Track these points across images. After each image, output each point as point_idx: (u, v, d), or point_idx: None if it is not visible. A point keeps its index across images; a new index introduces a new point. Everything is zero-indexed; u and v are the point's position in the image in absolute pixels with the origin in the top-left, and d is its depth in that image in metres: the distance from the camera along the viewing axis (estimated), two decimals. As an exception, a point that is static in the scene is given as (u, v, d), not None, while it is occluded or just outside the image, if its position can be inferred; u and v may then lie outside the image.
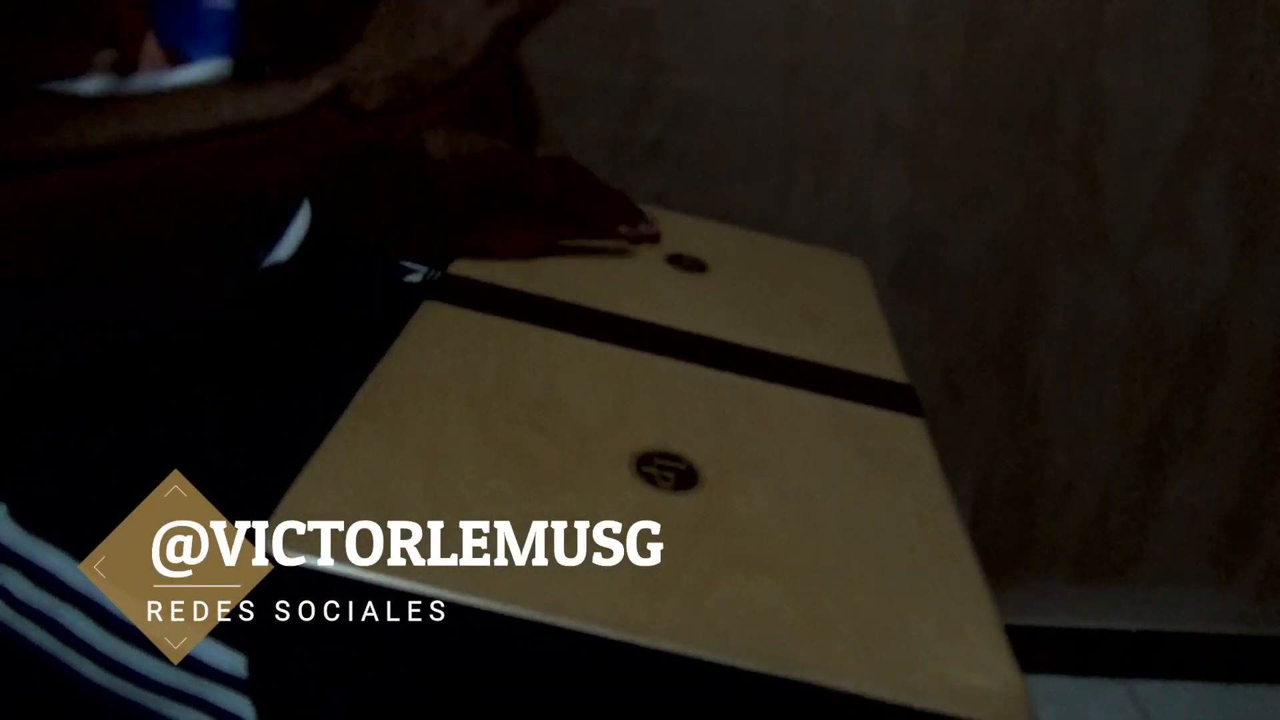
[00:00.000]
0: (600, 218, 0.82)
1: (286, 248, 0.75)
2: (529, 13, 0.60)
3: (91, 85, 0.58)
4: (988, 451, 1.32)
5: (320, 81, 0.57)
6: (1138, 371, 1.28)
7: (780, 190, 1.16)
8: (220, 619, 0.54)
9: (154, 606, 0.55)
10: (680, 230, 0.91)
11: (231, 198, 0.60)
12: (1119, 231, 1.21)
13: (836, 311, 0.84)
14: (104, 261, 0.60)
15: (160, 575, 0.55)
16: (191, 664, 0.53)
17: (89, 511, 0.58)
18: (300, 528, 0.46)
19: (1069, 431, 1.31)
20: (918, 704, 0.46)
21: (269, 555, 0.44)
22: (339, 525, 0.46)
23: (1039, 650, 1.43)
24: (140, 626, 0.54)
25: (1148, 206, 1.20)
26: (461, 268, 0.74)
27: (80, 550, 0.56)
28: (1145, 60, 1.13)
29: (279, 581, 0.45)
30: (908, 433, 0.68)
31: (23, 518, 0.58)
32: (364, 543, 0.46)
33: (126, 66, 0.60)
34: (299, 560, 0.44)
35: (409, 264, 0.86)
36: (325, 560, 0.45)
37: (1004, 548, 1.38)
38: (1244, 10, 1.11)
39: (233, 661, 0.53)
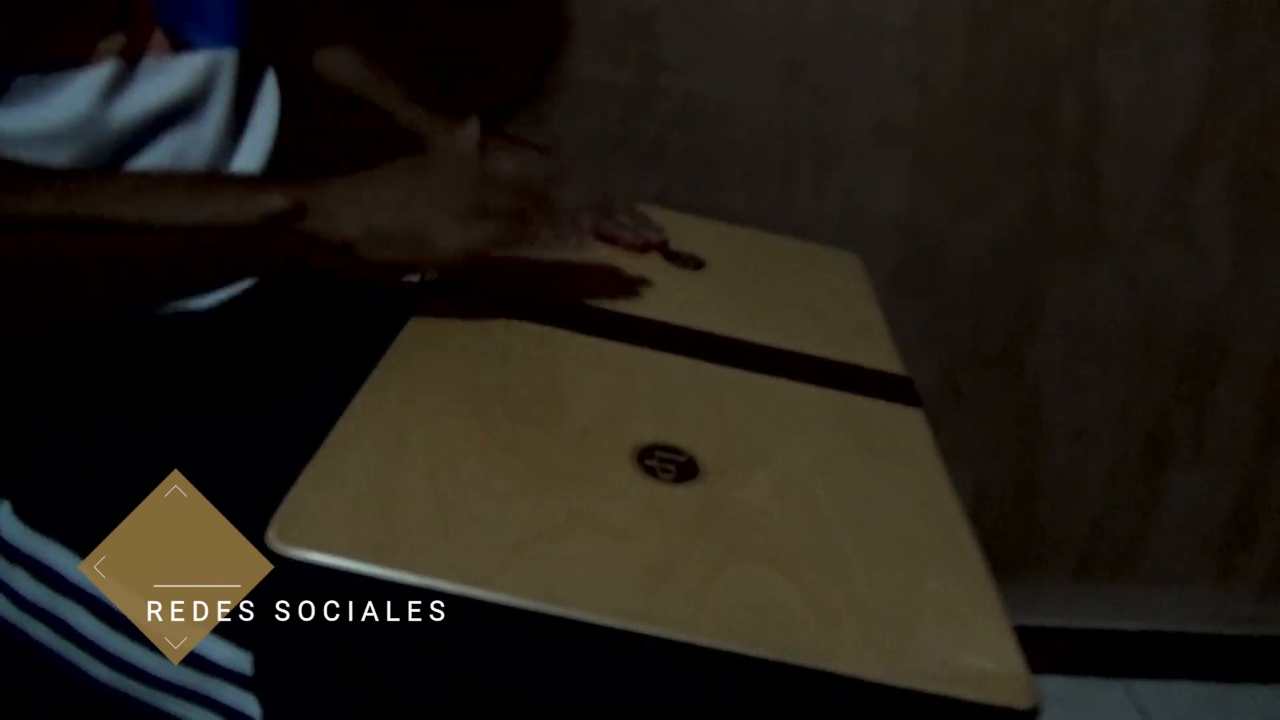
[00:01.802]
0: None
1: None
2: (504, 245, 0.60)
3: (101, 72, 0.58)
4: (988, 451, 1.32)
5: (277, 198, 0.57)
6: (1138, 371, 1.28)
7: (780, 190, 1.16)
8: (225, 616, 0.54)
9: (159, 604, 0.55)
10: (679, 229, 0.91)
11: (164, 288, 0.60)
12: (1119, 231, 1.21)
13: (832, 305, 0.84)
14: (44, 324, 0.60)
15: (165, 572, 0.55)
16: (197, 661, 0.53)
17: (94, 509, 0.58)
18: (305, 525, 0.46)
19: (1069, 431, 1.31)
20: (921, 687, 0.46)
21: (274, 552, 0.45)
22: (343, 522, 0.47)
23: (1039, 650, 1.42)
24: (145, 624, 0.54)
25: (1148, 206, 1.20)
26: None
27: (85, 548, 0.57)
28: (1145, 60, 1.13)
29: (284, 579, 0.45)
30: (906, 422, 0.68)
31: (28, 515, 0.58)
32: (367, 539, 0.46)
33: (133, 53, 0.60)
34: (303, 557, 0.45)
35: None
36: (329, 557, 0.45)
37: (1004, 547, 1.38)
38: (1244, 10, 1.11)
39: (238, 659, 0.53)
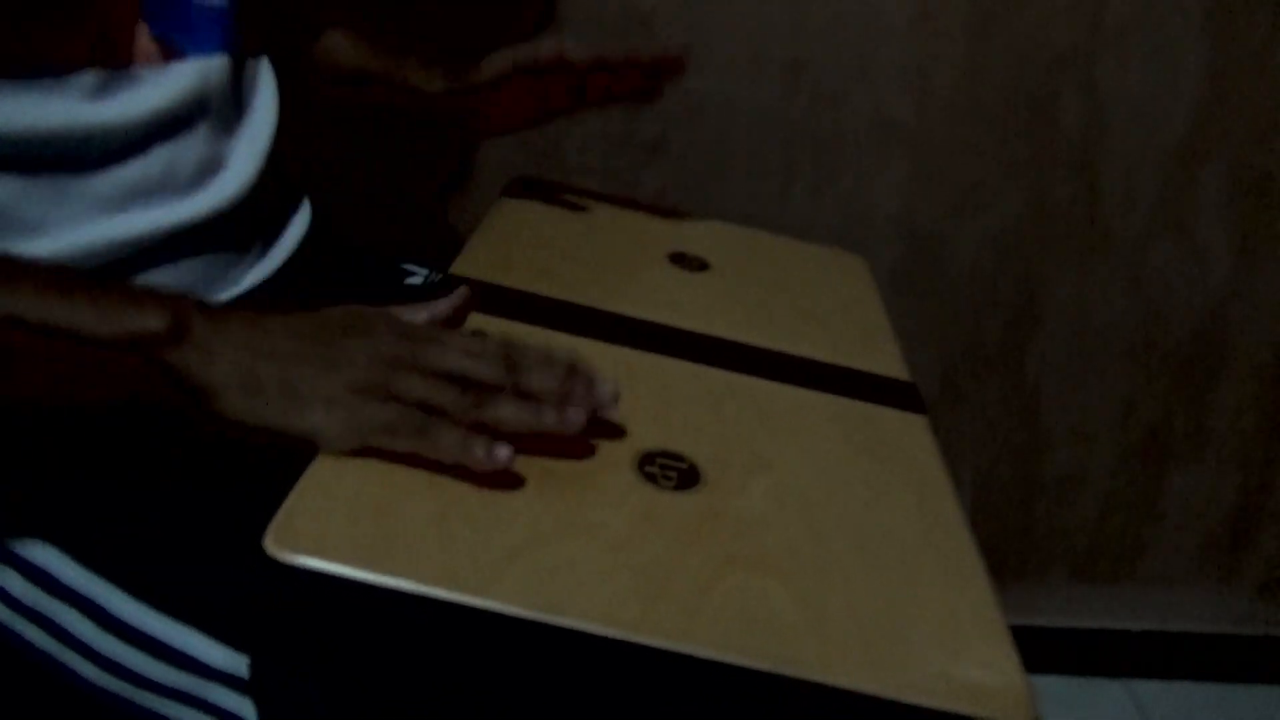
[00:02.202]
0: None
1: (284, 248, 0.75)
2: (394, 440, 0.50)
3: (84, 80, 0.58)
4: (987, 451, 1.32)
5: (156, 319, 0.49)
6: (1138, 371, 1.28)
7: (780, 189, 1.16)
8: (220, 619, 0.54)
9: (152, 607, 0.55)
10: (682, 228, 0.91)
11: (36, 397, 0.53)
12: (1119, 231, 1.21)
13: (839, 309, 0.84)
14: None
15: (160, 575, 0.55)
16: (190, 664, 0.53)
17: (86, 510, 0.58)
18: (302, 531, 0.46)
19: (1069, 431, 1.31)
20: (920, 701, 0.46)
21: (271, 556, 0.44)
22: (340, 528, 0.46)
23: (1039, 650, 1.43)
24: (139, 627, 0.54)
25: (1148, 206, 1.20)
26: (462, 269, 0.74)
27: (79, 550, 0.56)
28: (1145, 60, 1.13)
29: (281, 584, 0.45)
30: (910, 430, 0.68)
31: (19, 517, 0.58)
32: (364, 545, 0.46)
33: (120, 61, 0.60)
34: (301, 563, 0.44)
35: (410, 266, 0.86)
36: (326, 563, 0.45)
37: (1004, 547, 1.38)
38: (1244, 10, 1.11)
39: (233, 662, 0.53)
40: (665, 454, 0.57)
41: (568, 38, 0.78)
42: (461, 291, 0.61)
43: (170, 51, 0.62)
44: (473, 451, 0.49)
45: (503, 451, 0.49)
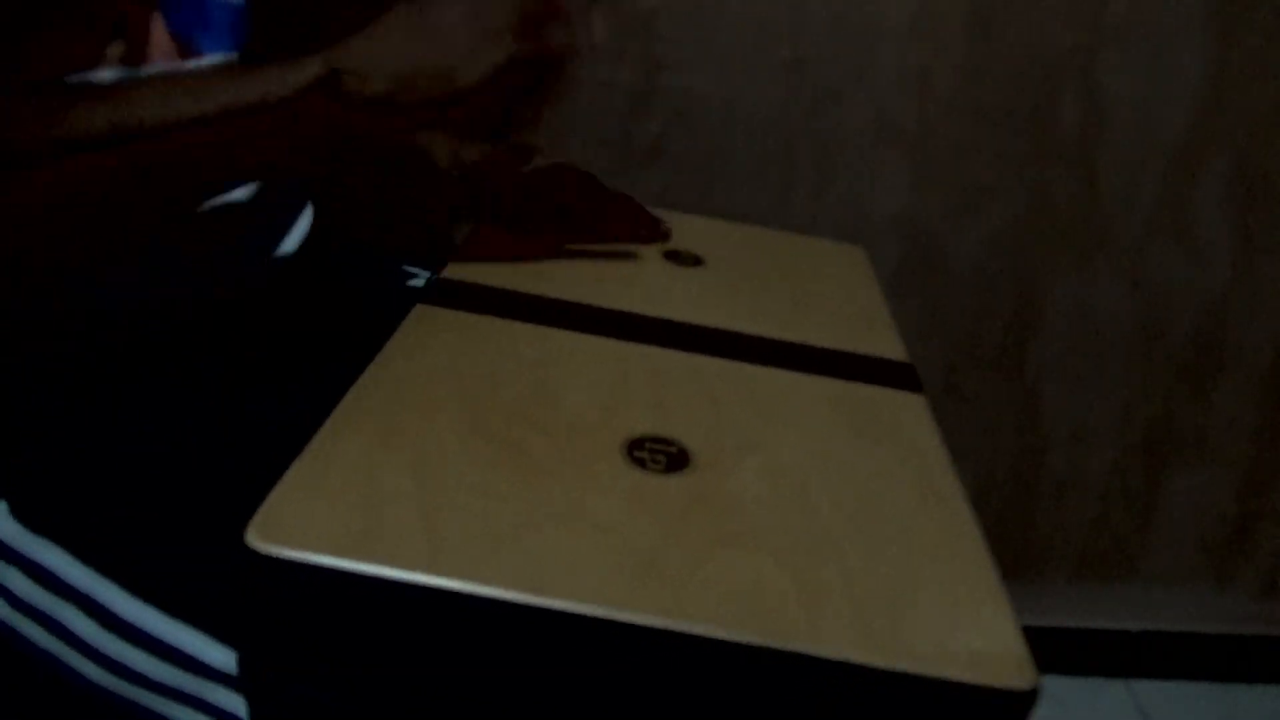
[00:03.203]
0: (606, 223, 0.82)
1: (291, 243, 0.75)
2: (535, 57, 0.61)
3: (104, 77, 0.58)
4: (987, 451, 1.32)
5: (312, 66, 0.58)
6: (1138, 371, 1.28)
7: (780, 190, 1.16)
8: (221, 619, 0.54)
9: (152, 606, 0.55)
10: (677, 227, 0.91)
11: (229, 179, 0.62)
12: (1119, 231, 1.21)
13: (835, 296, 0.84)
14: (112, 247, 0.61)
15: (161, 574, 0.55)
16: (191, 663, 0.53)
17: (90, 509, 0.58)
18: (285, 523, 0.46)
19: (1069, 431, 1.31)
20: (918, 670, 0.45)
21: (254, 549, 0.44)
22: (324, 519, 0.46)
23: (1039, 650, 1.42)
24: (140, 625, 0.54)
25: (1148, 206, 1.20)
26: (455, 270, 0.74)
27: (81, 548, 0.57)
28: (1145, 60, 1.13)
29: (269, 576, 0.45)
30: (907, 409, 0.67)
31: (23, 515, 0.58)
32: (349, 535, 0.46)
33: (137, 59, 0.60)
34: (283, 555, 0.44)
35: (411, 268, 0.86)
36: (309, 554, 0.45)
37: (1004, 547, 1.38)
38: (1244, 10, 1.11)
39: (232, 661, 0.53)
40: (654, 439, 0.57)
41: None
42: None
43: (187, 49, 0.63)
44: (578, 35, 0.62)
45: (599, 27, 0.63)
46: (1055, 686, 1.41)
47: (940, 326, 1.24)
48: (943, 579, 0.51)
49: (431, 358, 0.62)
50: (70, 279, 0.61)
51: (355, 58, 0.59)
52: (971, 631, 0.48)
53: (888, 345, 0.75)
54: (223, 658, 0.53)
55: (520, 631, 0.45)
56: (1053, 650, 1.42)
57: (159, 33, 0.61)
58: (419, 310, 0.67)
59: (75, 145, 0.55)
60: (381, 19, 0.61)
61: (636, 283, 0.78)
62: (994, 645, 0.47)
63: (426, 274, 0.85)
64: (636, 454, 0.56)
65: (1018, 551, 1.39)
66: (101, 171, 0.56)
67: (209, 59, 0.64)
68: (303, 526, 0.46)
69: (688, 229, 0.91)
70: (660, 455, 0.56)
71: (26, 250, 0.56)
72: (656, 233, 0.84)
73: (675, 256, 0.85)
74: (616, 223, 0.83)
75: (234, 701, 0.53)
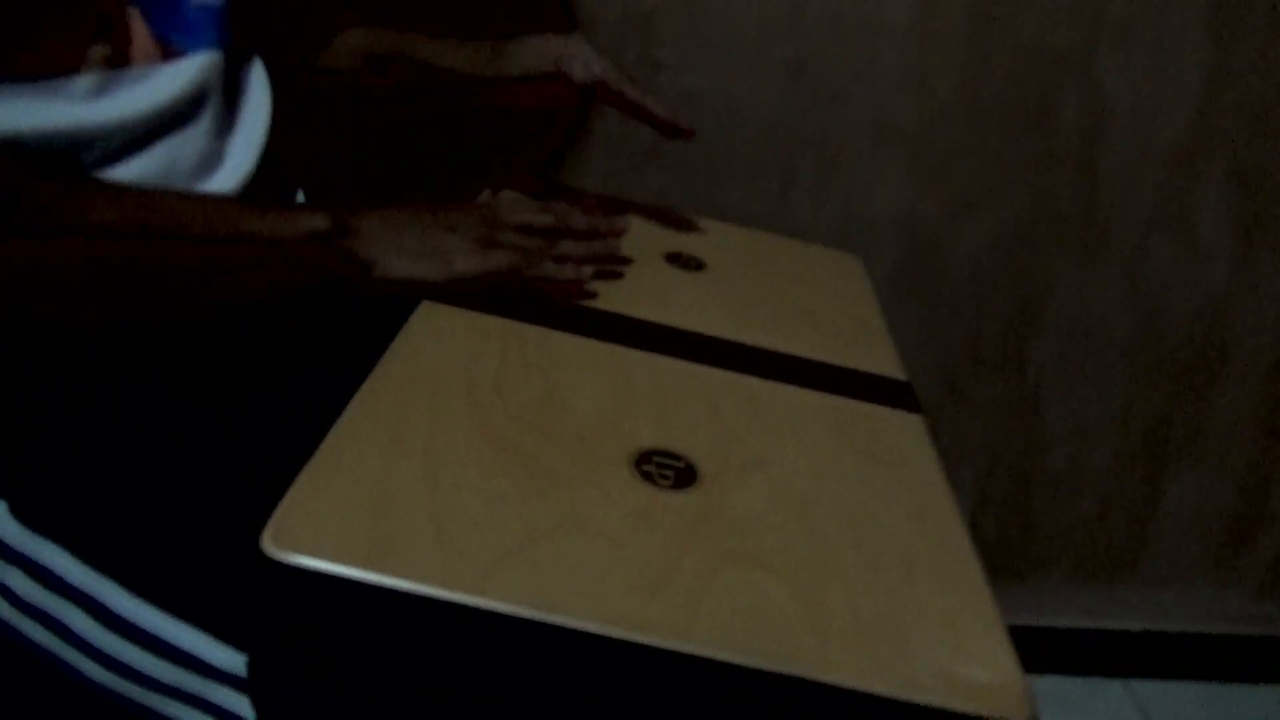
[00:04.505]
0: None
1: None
2: (526, 282, 0.68)
3: (86, 81, 0.58)
4: (987, 451, 1.32)
5: (319, 218, 0.63)
6: (1138, 371, 1.28)
7: (780, 190, 1.16)
8: (222, 618, 0.54)
9: (155, 606, 0.55)
10: (679, 229, 0.91)
11: (220, 298, 0.65)
12: (1119, 231, 1.21)
13: (834, 309, 0.84)
14: (101, 332, 0.64)
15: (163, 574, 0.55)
16: (192, 663, 0.53)
17: (90, 509, 0.58)
18: (299, 530, 0.46)
19: (1069, 431, 1.31)
20: (919, 699, 0.46)
21: (268, 555, 0.44)
22: (337, 527, 0.46)
23: (1039, 650, 1.42)
24: (141, 625, 0.54)
25: (1148, 206, 1.20)
26: None
27: (81, 548, 0.57)
28: (1145, 60, 1.13)
29: (278, 583, 0.45)
30: (906, 429, 0.68)
31: (24, 515, 0.58)
32: (361, 544, 0.46)
33: (119, 61, 0.60)
34: (298, 562, 0.44)
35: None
36: (323, 562, 0.45)
37: (1004, 547, 1.38)
38: (1244, 10, 1.11)
39: (233, 661, 0.53)
40: (662, 453, 0.58)
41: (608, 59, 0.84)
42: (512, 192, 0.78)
43: (169, 50, 0.63)
44: (565, 271, 0.70)
45: (585, 270, 0.71)
46: (1055, 686, 1.41)
47: (940, 327, 1.24)
48: (944, 606, 0.52)
49: (438, 359, 0.62)
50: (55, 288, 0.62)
51: (364, 223, 0.64)
52: (972, 661, 0.49)
53: (887, 363, 0.76)
54: (224, 657, 0.53)
55: (529, 647, 0.45)
56: (1053, 650, 1.42)
57: (141, 34, 0.61)
58: (424, 307, 0.67)
59: (82, 231, 0.58)
60: (399, 202, 0.68)
61: (639, 286, 0.78)
62: (994, 676, 0.48)
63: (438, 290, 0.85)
64: (645, 468, 0.56)
65: (1018, 551, 1.39)
66: (110, 257, 0.60)
67: (191, 59, 0.64)
68: (318, 534, 0.46)
69: (688, 230, 0.91)
70: (669, 470, 0.56)
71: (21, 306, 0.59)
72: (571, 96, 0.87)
73: (677, 259, 0.85)
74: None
75: (235, 700, 0.53)
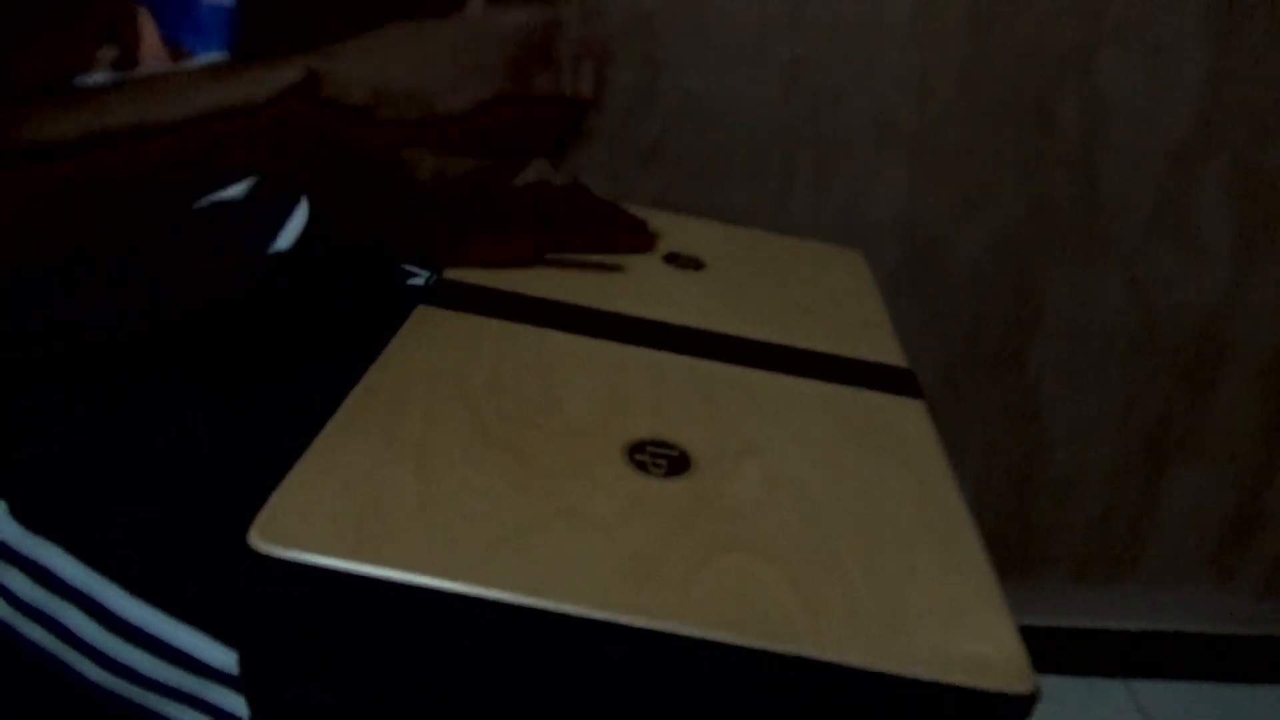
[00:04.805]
0: (591, 232, 0.83)
1: (286, 240, 0.75)
2: (526, 99, 0.61)
3: (97, 80, 0.58)
4: (987, 451, 1.32)
5: (292, 70, 0.58)
6: (1138, 371, 1.28)
7: (780, 190, 1.16)
8: (222, 619, 0.54)
9: (153, 606, 0.55)
10: (678, 230, 0.91)
11: (211, 181, 0.61)
12: (1119, 231, 1.21)
13: (835, 301, 0.84)
14: (92, 248, 0.61)
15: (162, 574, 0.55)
16: (190, 663, 0.53)
17: (89, 509, 0.58)
18: (287, 524, 0.46)
19: (1069, 431, 1.31)
20: (917, 674, 0.45)
21: (258, 546, 0.44)
22: (326, 520, 0.46)
23: (1039, 650, 1.42)
24: (140, 625, 0.54)
25: (1148, 206, 1.20)
26: (455, 271, 0.74)
27: (80, 548, 0.57)
28: (1145, 60, 1.13)
29: (271, 577, 0.45)
30: (907, 414, 0.67)
31: (23, 516, 0.58)
32: (350, 536, 0.46)
33: (129, 62, 0.60)
34: (285, 555, 0.44)
35: (411, 268, 0.86)
36: (310, 555, 0.45)
37: (1004, 547, 1.38)
38: (1244, 10, 1.11)
39: (232, 661, 0.53)
40: (655, 442, 0.57)
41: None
42: None
43: (179, 52, 0.63)
44: (563, 83, 0.61)
45: (587, 74, 0.62)
46: (1055, 686, 1.41)
47: (940, 326, 1.24)
48: (942, 583, 0.51)
49: (433, 360, 0.62)
50: (50, 281, 0.61)
51: (337, 65, 0.59)
52: (971, 635, 0.48)
53: (888, 351, 0.75)
54: (223, 657, 0.53)
55: (521, 633, 0.45)
56: (1053, 650, 1.42)
57: (150, 35, 0.61)
58: (420, 311, 0.67)
59: (44, 152, 0.54)
60: (374, 33, 0.61)
61: (638, 286, 0.78)
62: (994, 649, 0.48)
63: (426, 274, 0.85)
64: (638, 457, 0.56)
65: (1018, 551, 1.39)
66: (68, 179, 0.55)
67: (200, 59, 0.64)
68: (305, 528, 0.46)
69: (688, 231, 0.91)
70: (661, 459, 0.56)
71: None
72: (643, 243, 0.84)
73: (675, 259, 0.85)
74: (602, 231, 0.83)
75: (234, 701, 0.53)
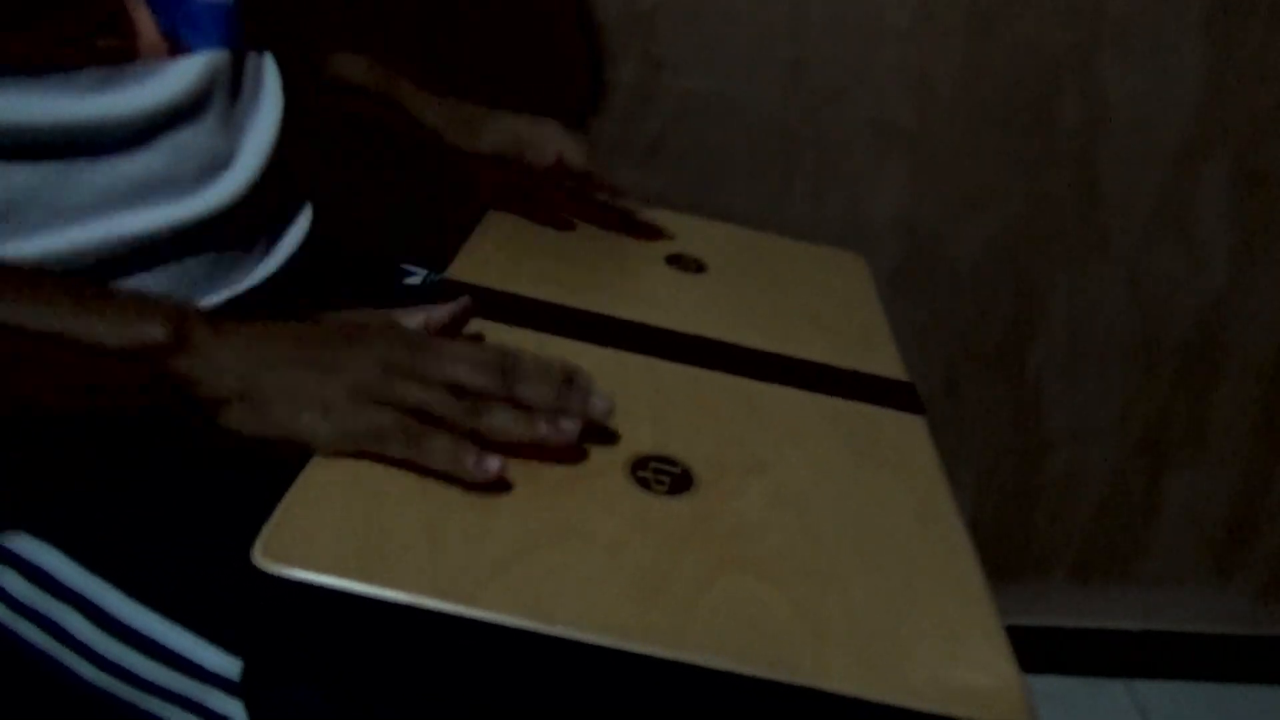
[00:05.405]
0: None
1: (286, 248, 0.75)
2: (387, 447, 0.51)
3: (90, 75, 0.58)
4: (988, 451, 1.32)
5: (159, 329, 0.50)
6: (1138, 371, 1.28)
7: (780, 190, 1.16)
8: (218, 622, 0.54)
9: (151, 608, 0.55)
10: (680, 230, 0.91)
11: (43, 403, 0.54)
12: (1119, 231, 1.21)
13: (836, 310, 0.83)
14: None
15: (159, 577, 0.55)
16: (188, 667, 0.53)
17: (86, 511, 0.58)
18: (290, 542, 0.45)
19: (1069, 431, 1.31)
20: (917, 705, 0.45)
21: (262, 564, 0.44)
22: (329, 538, 0.46)
23: (1039, 650, 1.43)
24: (136, 627, 0.54)
25: (1148, 206, 1.20)
26: (458, 272, 0.73)
27: (77, 550, 0.56)
28: (1145, 60, 1.13)
29: (275, 594, 0.45)
30: (907, 431, 0.67)
31: (21, 517, 0.58)
32: (353, 555, 0.45)
33: (125, 56, 0.60)
34: (289, 574, 0.44)
35: (409, 267, 0.86)
36: (315, 574, 0.44)
37: (1004, 547, 1.38)
38: (1244, 10, 1.11)
39: (229, 665, 0.53)
40: (658, 458, 0.57)
41: (576, 142, 0.81)
42: (462, 301, 0.62)
43: (177, 46, 0.62)
44: (463, 461, 0.50)
45: (492, 463, 0.50)
46: (1055, 686, 1.41)
47: (940, 327, 1.24)
48: (943, 613, 0.51)
49: None
50: None
51: (216, 345, 0.51)
52: (970, 667, 0.48)
53: (888, 364, 0.75)
54: (220, 661, 0.53)
55: (524, 657, 0.45)
56: (1053, 650, 1.42)
57: (148, 30, 0.61)
58: None
59: None
60: (280, 323, 0.53)
61: (640, 289, 0.77)
62: (993, 682, 0.48)
63: (424, 273, 0.85)
64: (640, 474, 0.55)
65: (1018, 551, 1.39)
66: None
67: (200, 56, 0.64)
68: (309, 546, 0.45)
69: (690, 231, 0.91)
70: (664, 476, 0.56)
71: None
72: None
73: (678, 261, 0.84)
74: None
75: (230, 705, 0.53)
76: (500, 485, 0.51)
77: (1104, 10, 1.10)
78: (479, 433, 0.52)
